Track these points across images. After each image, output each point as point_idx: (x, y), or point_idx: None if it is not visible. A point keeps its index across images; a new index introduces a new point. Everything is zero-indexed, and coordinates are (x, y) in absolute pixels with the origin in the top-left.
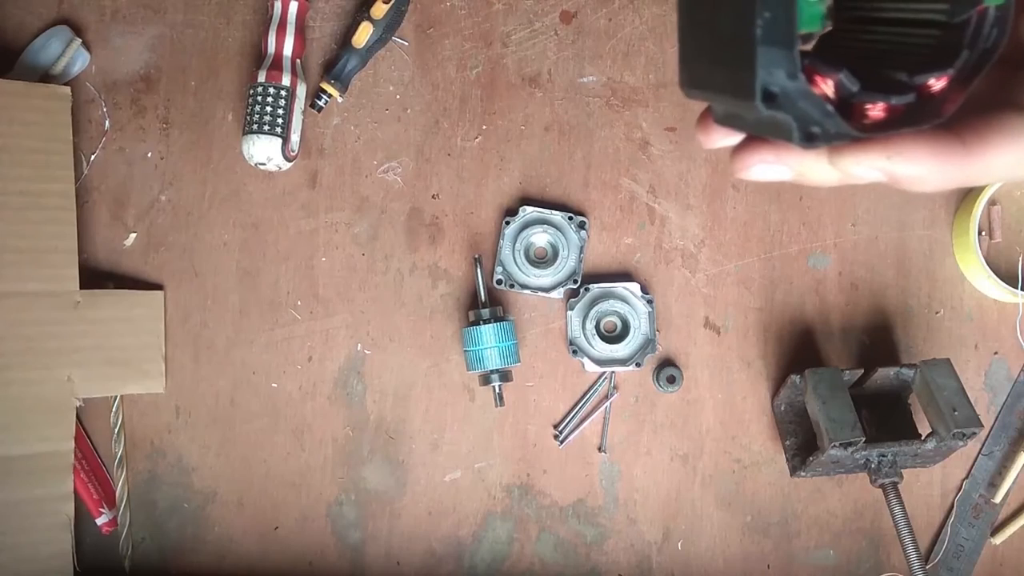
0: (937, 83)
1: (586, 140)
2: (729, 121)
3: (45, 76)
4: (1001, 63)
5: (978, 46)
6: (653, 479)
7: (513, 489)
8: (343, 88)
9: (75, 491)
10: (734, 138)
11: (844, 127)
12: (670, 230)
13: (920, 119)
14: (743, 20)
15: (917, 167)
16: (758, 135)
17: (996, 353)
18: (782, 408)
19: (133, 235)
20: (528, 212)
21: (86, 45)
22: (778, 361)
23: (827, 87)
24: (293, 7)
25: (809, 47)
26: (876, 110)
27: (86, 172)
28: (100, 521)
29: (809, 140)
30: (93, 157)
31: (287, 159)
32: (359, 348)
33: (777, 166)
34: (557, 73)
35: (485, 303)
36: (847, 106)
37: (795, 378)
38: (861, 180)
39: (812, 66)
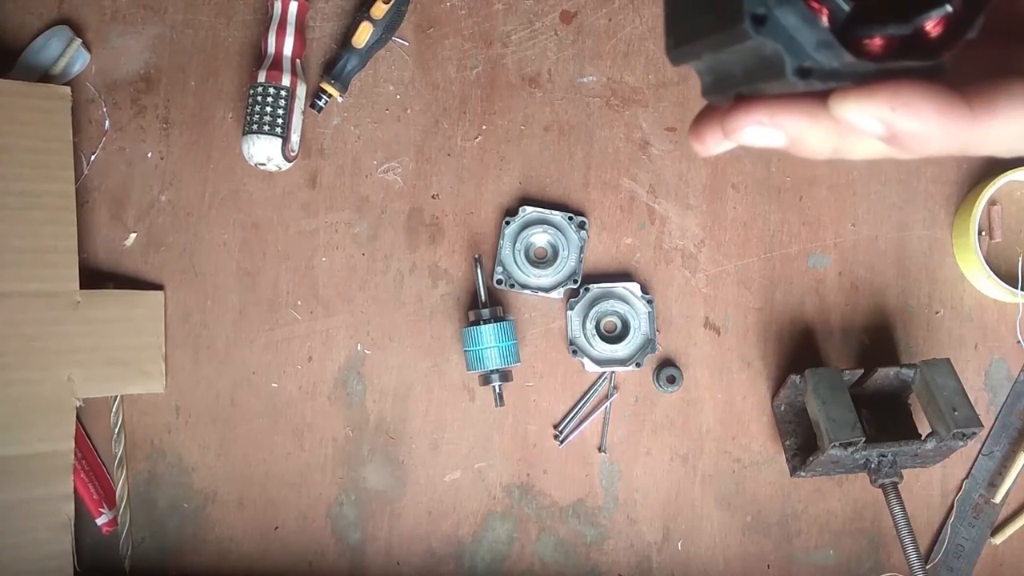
0: (934, 28)
1: (586, 140)
2: (717, 85)
3: (45, 76)
4: (1000, 36)
5: None
6: (653, 479)
7: (513, 489)
8: (343, 88)
9: (75, 491)
10: (728, 144)
11: (840, 55)
12: (670, 230)
13: (917, 56)
14: None
15: (921, 123)
16: (749, 91)
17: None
18: (782, 408)
19: (133, 235)
20: (528, 212)
21: (86, 45)
22: (778, 361)
23: (820, 15)
24: (293, 7)
25: None
26: (872, 46)
27: (86, 172)
28: (100, 521)
29: (803, 74)
30: (93, 157)
31: (287, 159)
32: (359, 348)
33: (771, 129)
34: (557, 73)
35: (485, 303)
36: (842, 41)
37: (795, 378)
38: (855, 150)
39: None
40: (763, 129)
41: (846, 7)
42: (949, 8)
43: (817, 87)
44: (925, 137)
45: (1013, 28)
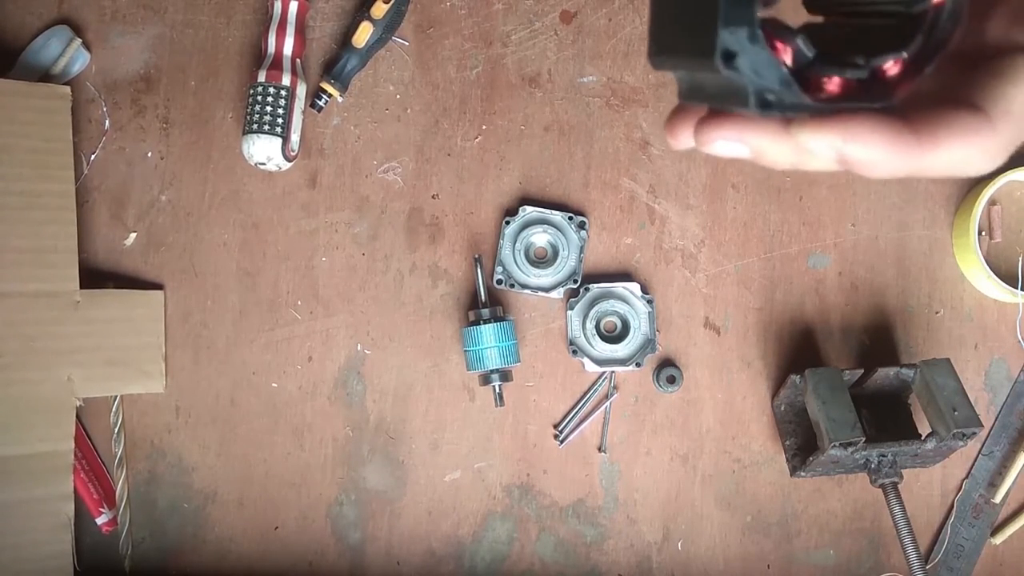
0: (892, 68)
1: (586, 140)
2: (692, 95)
3: (45, 76)
4: (956, 61)
5: (933, 35)
6: (653, 479)
7: (513, 489)
8: (343, 88)
9: (75, 491)
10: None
11: (798, 95)
12: (670, 230)
13: (873, 98)
14: None
15: (869, 151)
16: (719, 107)
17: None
18: (782, 408)
19: (133, 235)
20: (528, 212)
21: (86, 45)
22: (778, 361)
23: (785, 56)
24: (293, 7)
25: (771, 14)
26: (831, 85)
27: (86, 172)
28: (100, 521)
29: (764, 107)
30: (93, 157)
31: (287, 159)
32: (359, 348)
33: (736, 144)
34: (557, 73)
35: (485, 303)
36: (804, 78)
37: (795, 378)
38: (813, 164)
39: (772, 32)
40: (730, 143)
41: (809, 54)
42: (904, 54)
43: (777, 116)
44: (874, 163)
45: (967, 53)
